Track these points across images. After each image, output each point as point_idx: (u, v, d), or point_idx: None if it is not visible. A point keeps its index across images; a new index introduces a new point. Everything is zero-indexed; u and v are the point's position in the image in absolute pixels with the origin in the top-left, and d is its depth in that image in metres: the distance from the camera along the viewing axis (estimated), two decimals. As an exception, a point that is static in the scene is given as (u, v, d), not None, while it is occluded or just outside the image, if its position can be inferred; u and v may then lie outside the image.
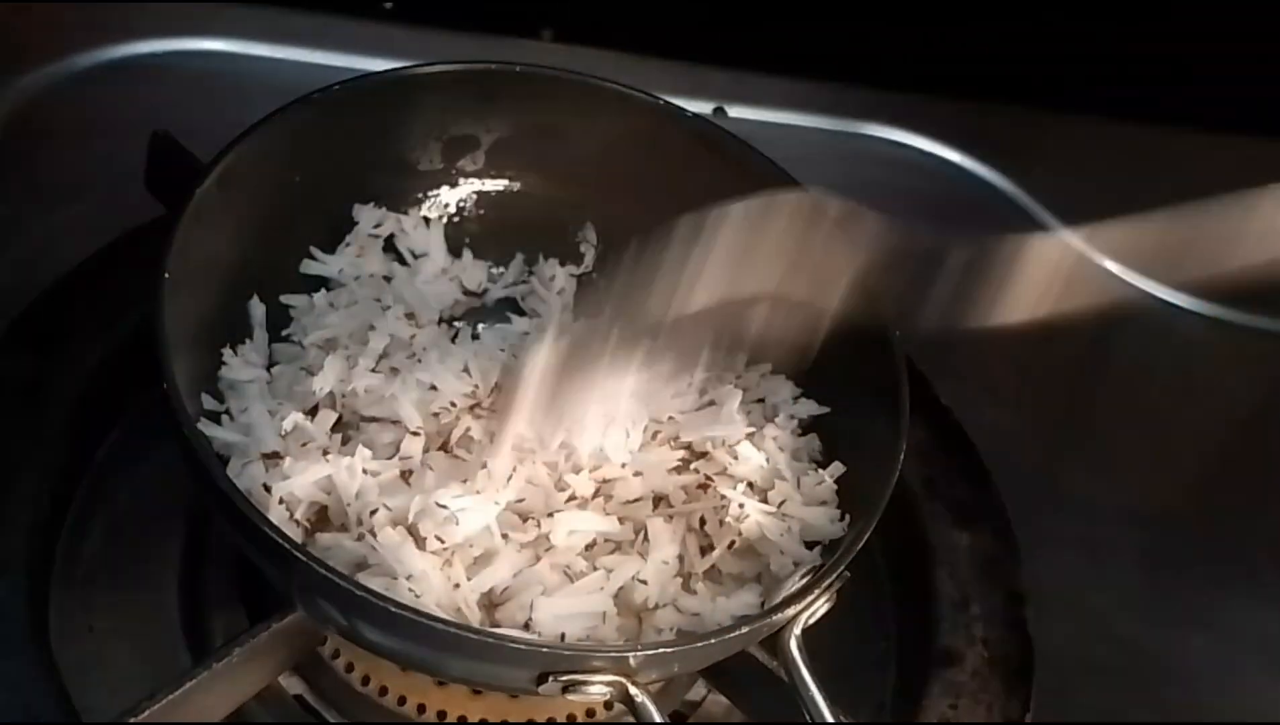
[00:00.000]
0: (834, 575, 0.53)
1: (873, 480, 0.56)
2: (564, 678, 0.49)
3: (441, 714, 0.60)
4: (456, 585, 0.53)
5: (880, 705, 0.67)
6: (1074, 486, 0.78)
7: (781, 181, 0.64)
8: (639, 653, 0.50)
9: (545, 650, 0.49)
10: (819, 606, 0.54)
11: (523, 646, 0.49)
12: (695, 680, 0.64)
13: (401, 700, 0.60)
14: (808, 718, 0.52)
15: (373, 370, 0.60)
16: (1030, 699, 0.65)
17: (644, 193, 0.66)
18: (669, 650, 0.51)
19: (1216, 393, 0.85)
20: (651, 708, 0.50)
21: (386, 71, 0.64)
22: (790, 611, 0.52)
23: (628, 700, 0.50)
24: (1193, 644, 0.72)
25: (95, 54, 0.83)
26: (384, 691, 0.61)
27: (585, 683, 0.49)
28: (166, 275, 0.54)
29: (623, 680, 0.49)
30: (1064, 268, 0.88)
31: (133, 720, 0.51)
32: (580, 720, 0.61)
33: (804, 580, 0.54)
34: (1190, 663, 0.72)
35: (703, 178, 0.64)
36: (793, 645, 0.53)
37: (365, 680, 0.61)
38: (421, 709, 0.60)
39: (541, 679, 0.49)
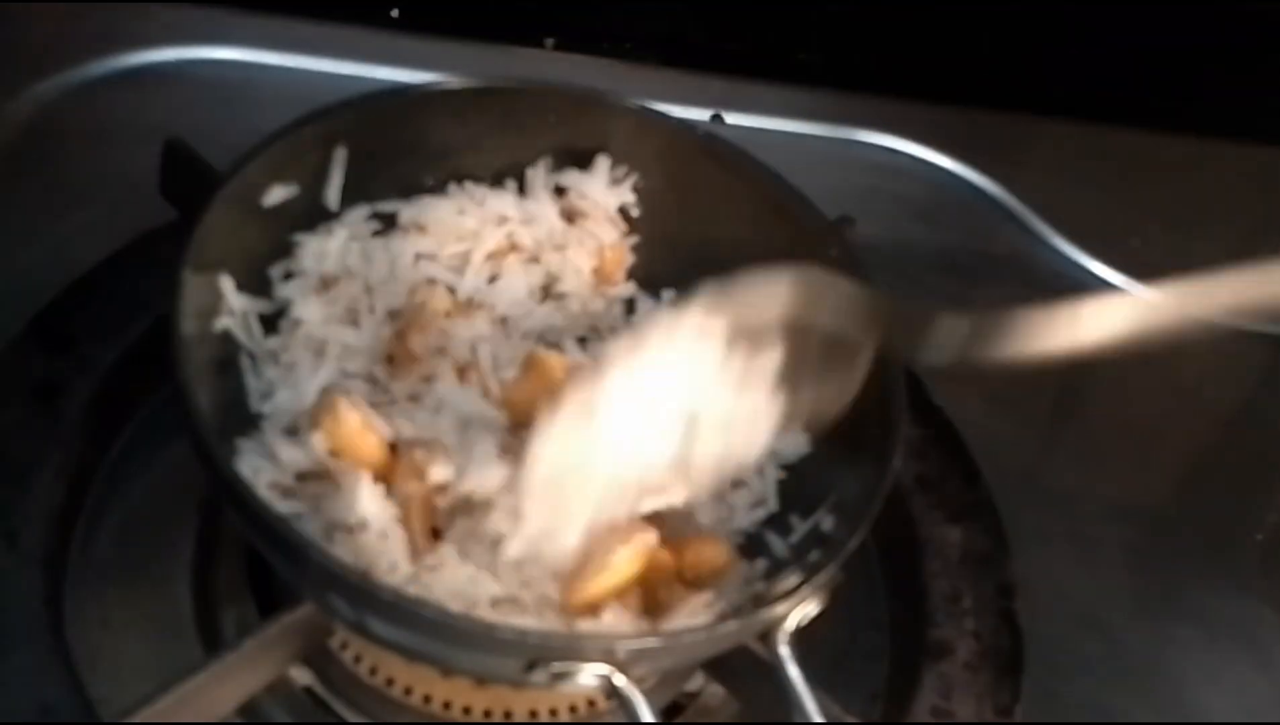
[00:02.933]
0: (824, 574, 0.53)
1: (867, 481, 0.57)
2: (553, 667, 0.49)
3: (446, 705, 0.61)
4: None
5: (873, 696, 0.68)
6: (1063, 483, 0.79)
7: (779, 188, 0.65)
8: (627, 645, 0.50)
9: (533, 640, 0.50)
10: (810, 605, 0.54)
11: (510, 635, 0.50)
12: (693, 671, 0.65)
13: (408, 691, 0.61)
14: (796, 717, 0.52)
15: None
16: (1020, 689, 0.65)
17: (646, 200, 0.68)
18: (657, 644, 0.52)
19: (1203, 391, 0.86)
20: (639, 700, 0.50)
21: (405, 87, 0.65)
22: (780, 609, 0.53)
23: (615, 691, 0.50)
24: (1179, 638, 0.73)
25: (110, 61, 0.84)
26: (391, 682, 0.61)
27: (573, 673, 0.49)
28: (185, 271, 0.55)
29: (610, 671, 0.50)
30: (1052, 269, 0.90)
31: (146, 711, 0.52)
32: (583, 714, 0.62)
33: (796, 579, 0.54)
34: (1177, 657, 0.72)
35: (705, 185, 0.66)
36: (782, 644, 0.53)
37: (373, 671, 0.61)
38: (427, 700, 0.61)
39: (530, 667, 0.50)
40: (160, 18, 0.85)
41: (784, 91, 0.93)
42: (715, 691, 0.65)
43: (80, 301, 0.69)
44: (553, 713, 0.62)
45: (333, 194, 0.64)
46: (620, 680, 0.50)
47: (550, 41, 0.91)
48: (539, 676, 0.50)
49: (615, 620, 0.55)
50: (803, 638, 0.54)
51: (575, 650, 0.50)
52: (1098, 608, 0.73)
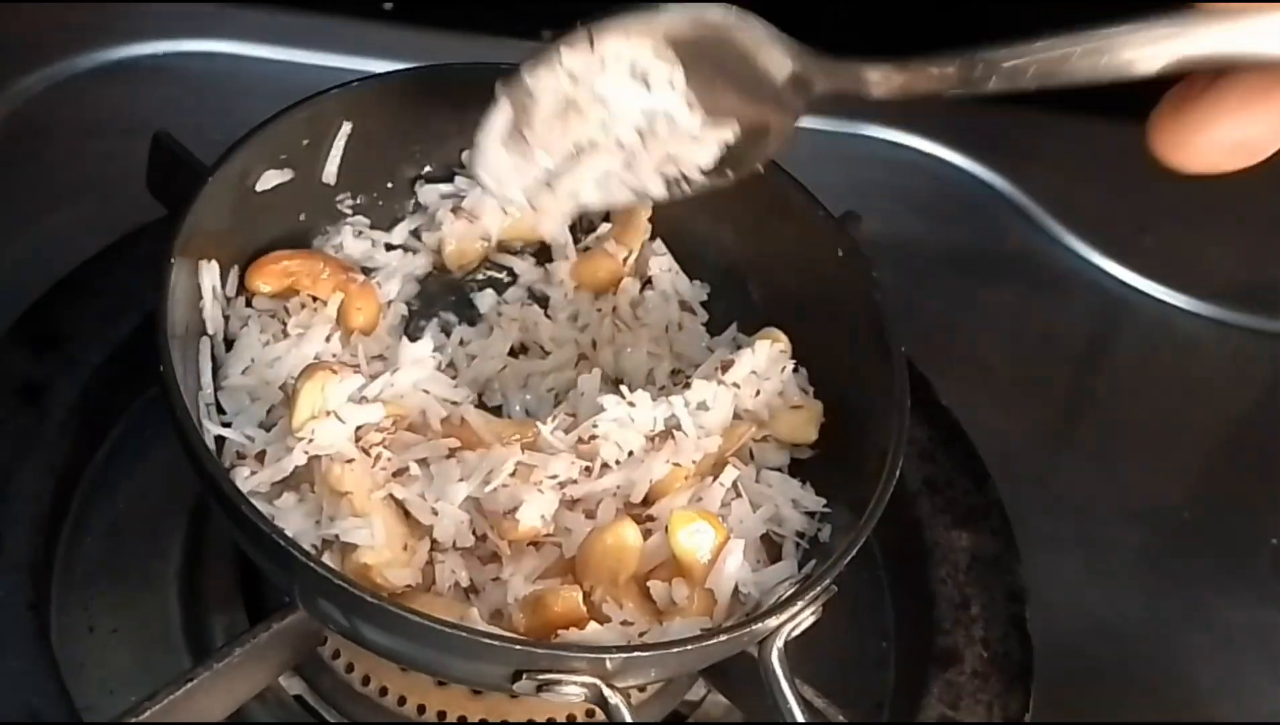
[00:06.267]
0: (819, 588, 0.52)
1: (866, 491, 0.55)
2: (539, 677, 0.49)
3: (441, 714, 0.60)
4: None
5: (879, 704, 0.67)
6: (1073, 486, 0.78)
7: (783, 183, 0.64)
8: (615, 656, 0.50)
9: (518, 648, 0.49)
10: (804, 618, 0.53)
11: (496, 643, 0.49)
12: (695, 680, 0.64)
13: (402, 700, 0.61)
14: None
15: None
16: (1030, 698, 0.65)
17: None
18: (644, 655, 0.51)
19: (1214, 392, 0.85)
20: (624, 711, 0.49)
21: (399, 71, 0.64)
22: (772, 622, 0.52)
23: (602, 703, 0.49)
24: (1191, 643, 0.72)
25: (97, 55, 0.83)
26: (384, 692, 0.61)
27: (559, 683, 0.49)
28: (173, 261, 0.54)
29: (597, 682, 0.49)
30: (1062, 267, 0.89)
31: (134, 720, 0.51)
32: (580, 720, 0.61)
33: (789, 592, 0.53)
34: (1189, 661, 0.72)
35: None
36: (774, 657, 0.52)
37: (365, 680, 0.61)
38: (421, 709, 0.60)
39: (516, 677, 0.49)
40: (147, 11, 0.85)
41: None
42: (718, 700, 0.64)
43: (66, 300, 0.68)
44: (550, 722, 0.61)
45: (330, 169, 0.63)
46: (607, 691, 0.49)
47: (548, 34, 0.90)
48: (524, 686, 0.49)
49: (600, 630, 0.54)
50: (808, 645, 0.54)
51: (561, 661, 0.49)
52: (1110, 614, 0.73)
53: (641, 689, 0.62)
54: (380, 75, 0.64)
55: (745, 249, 0.66)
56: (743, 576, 0.55)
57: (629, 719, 0.49)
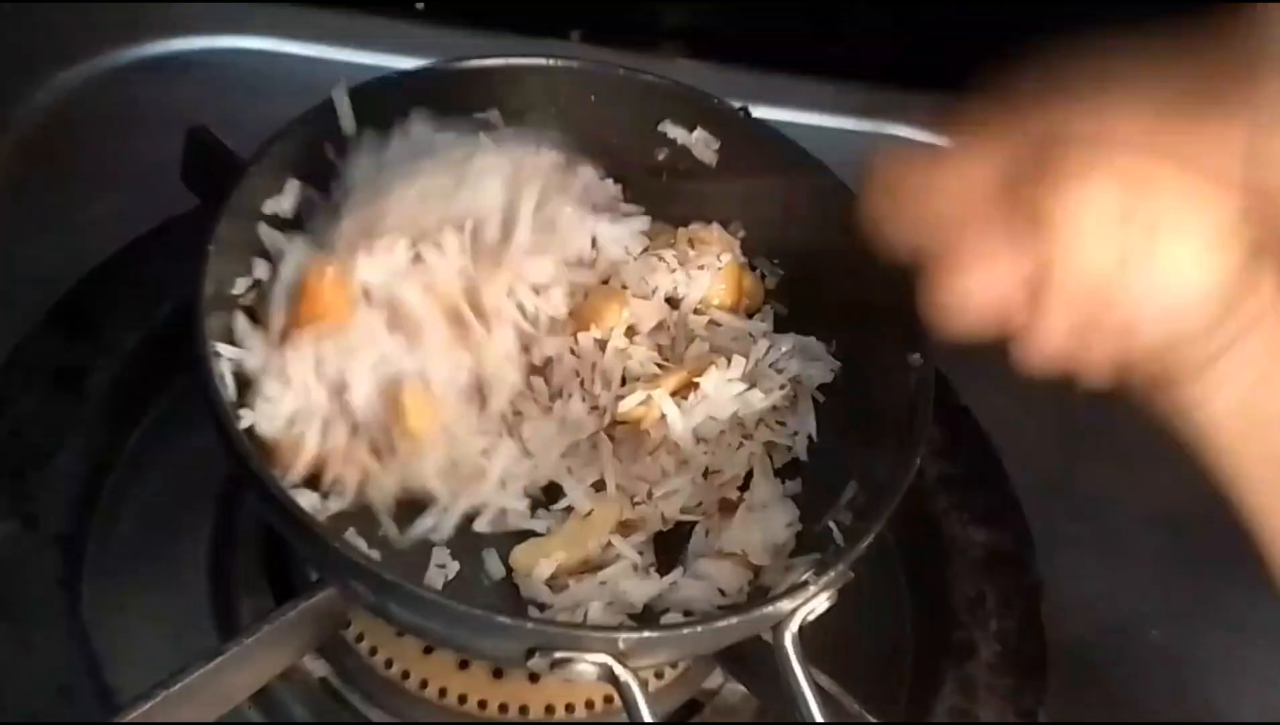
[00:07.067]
0: (833, 572, 0.53)
1: (886, 481, 0.56)
2: (552, 654, 0.50)
3: (462, 698, 0.61)
4: None
5: (894, 698, 0.67)
6: (1092, 485, 0.78)
7: (812, 167, 0.65)
8: (627, 636, 0.51)
9: (531, 627, 0.50)
10: (818, 603, 0.53)
11: (508, 621, 0.50)
12: (713, 668, 0.65)
13: (424, 684, 0.61)
14: (799, 717, 0.52)
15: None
16: (1044, 693, 0.65)
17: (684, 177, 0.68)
18: (655, 635, 0.52)
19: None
20: (636, 689, 0.50)
21: (428, 66, 0.65)
22: (785, 606, 0.52)
23: (614, 680, 0.50)
24: (1210, 642, 0.72)
25: (134, 50, 0.84)
26: (406, 675, 0.61)
27: (571, 660, 0.50)
28: (210, 248, 0.54)
29: (610, 661, 0.50)
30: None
31: (166, 691, 0.52)
32: (599, 710, 0.62)
33: (803, 576, 0.53)
34: (1207, 661, 0.71)
35: (738, 164, 0.67)
36: (788, 642, 0.52)
37: (389, 664, 0.61)
38: (443, 693, 0.61)
39: (529, 654, 0.50)
40: (185, 8, 0.86)
41: (812, 85, 0.92)
42: (735, 689, 0.65)
43: (102, 287, 0.69)
44: (569, 709, 0.62)
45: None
46: (620, 671, 0.50)
47: (576, 34, 0.91)
48: (539, 663, 0.50)
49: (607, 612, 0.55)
50: (825, 637, 0.54)
51: (573, 640, 0.50)
52: (1127, 611, 0.72)
53: (659, 675, 0.63)
54: (418, 69, 0.64)
55: (769, 237, 0.67)
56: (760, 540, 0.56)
57: (641, 697, 0.50)
